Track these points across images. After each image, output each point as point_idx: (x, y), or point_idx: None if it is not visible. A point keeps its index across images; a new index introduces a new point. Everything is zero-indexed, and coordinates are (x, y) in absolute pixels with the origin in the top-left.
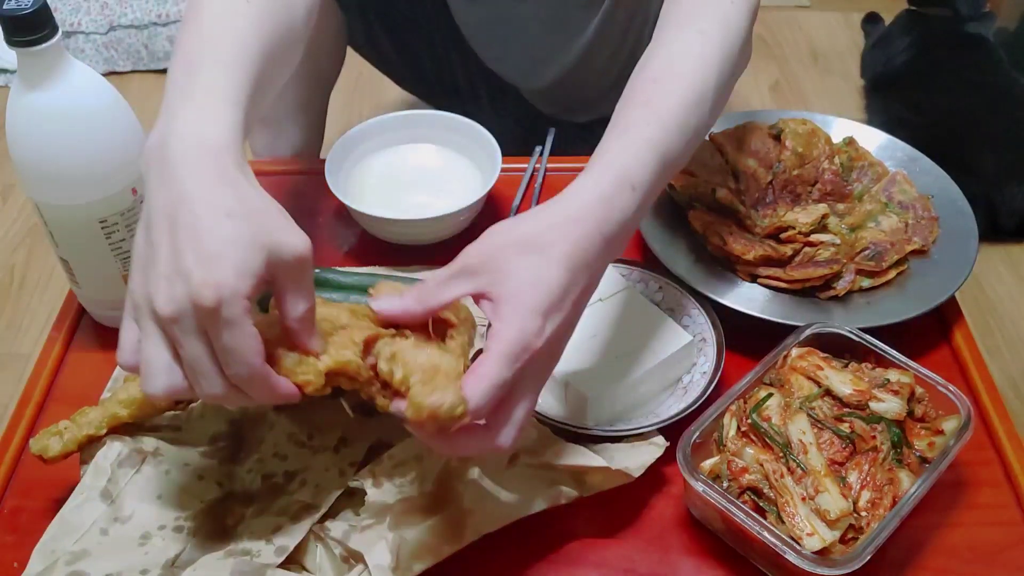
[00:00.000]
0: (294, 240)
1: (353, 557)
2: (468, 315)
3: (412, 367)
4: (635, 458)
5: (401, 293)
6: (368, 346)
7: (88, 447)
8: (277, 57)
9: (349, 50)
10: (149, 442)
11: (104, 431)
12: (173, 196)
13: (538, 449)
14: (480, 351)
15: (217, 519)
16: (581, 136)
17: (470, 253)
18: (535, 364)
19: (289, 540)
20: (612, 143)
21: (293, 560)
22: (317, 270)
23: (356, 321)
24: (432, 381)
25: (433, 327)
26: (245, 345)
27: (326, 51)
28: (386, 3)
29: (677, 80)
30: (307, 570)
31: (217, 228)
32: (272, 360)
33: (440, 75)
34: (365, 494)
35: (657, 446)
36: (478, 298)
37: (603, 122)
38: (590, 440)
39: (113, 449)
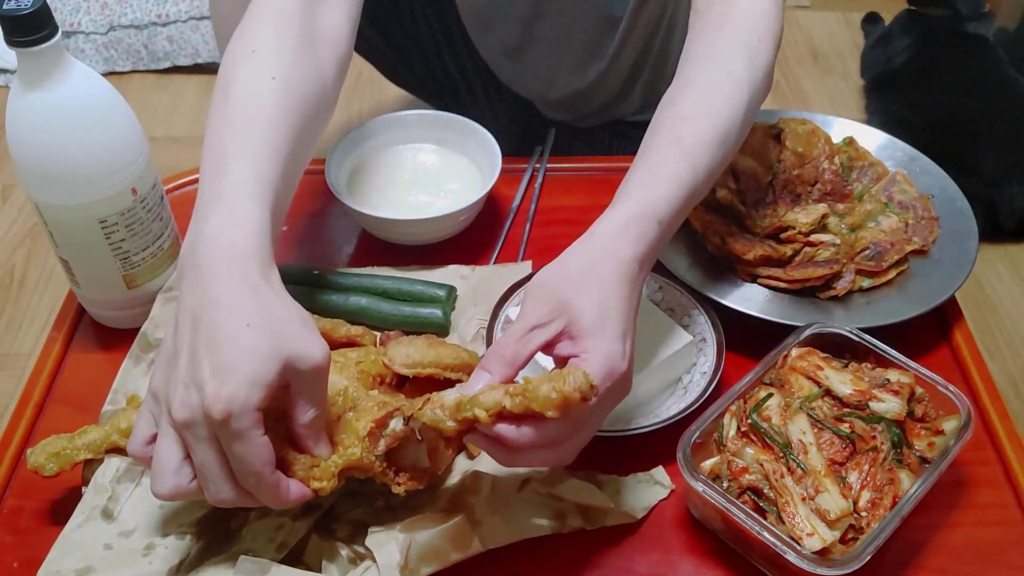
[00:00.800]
0: (312, 351)
1: (359, 556)
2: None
3: (489, 394)
4: (641, 499)
5: (474, 366)
6: (376, 432)
7: (88, 465)
8: (308, 129)
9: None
10: None
11: (102, 454)
12: (198, 300)
13: (550, 479)
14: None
15: (221, 524)
16: (581, 136)
17: (535, 307)
18: (616, 387)
19: (291, 538)
20: (641, 178)
21: (298, 560)
22: (316, 271)
23: (360, 390)
24: (524, 387)
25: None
26: (254, 455)
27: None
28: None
29: (706, 120)
30: (312, 568)
31: (235, 338)
32: (284, 462)
33: (431, 70)
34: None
35: (663, 487)
36: (554, 343)
37: (604, 127)
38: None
39: (111, 466)
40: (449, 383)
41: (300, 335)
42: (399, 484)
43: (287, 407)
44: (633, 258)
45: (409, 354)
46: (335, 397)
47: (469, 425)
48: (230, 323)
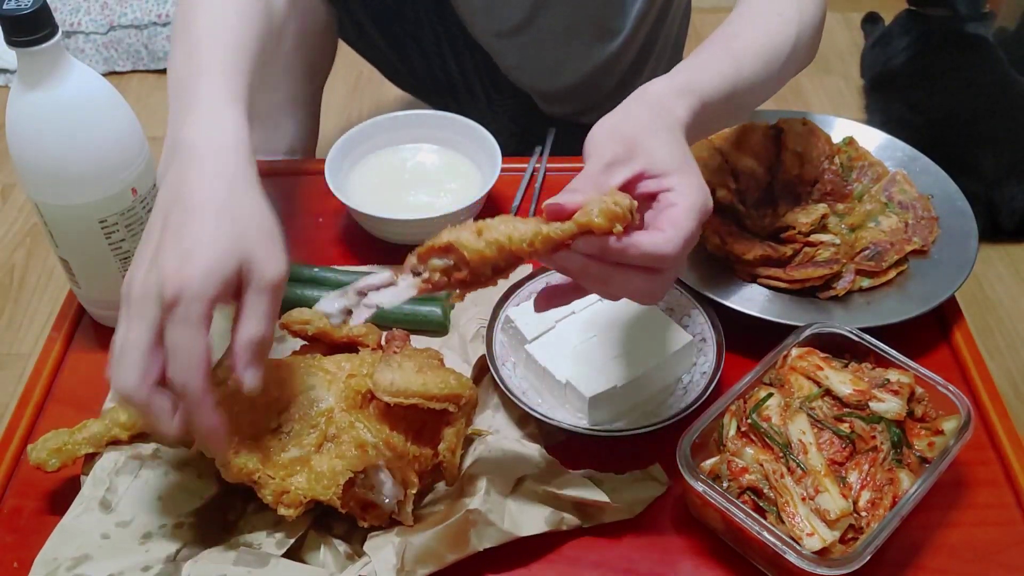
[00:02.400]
0: (272, 263)
1: (357, 555)
2: (471, 396)
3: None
4: (637, 494)
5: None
6: (348, 490)
7: (89, 460)
8: (265, 53)
9: (350, 51)
10: (147, 446)
11: (103, 448)
12: (172, 193)
13: (544, 477)
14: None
15: (218, 515)
16: (581, 136)
17: (608, 147)
18: (702, 222)
19: (289, 533)
20: (690, 65)
21: (295, 555)
22: (316, 269)
23: (344, 415)
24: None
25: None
26: (191, 348)
27: (316, 45)
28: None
29: (754, 39)
30: (309, 563)
31: (201, 228)
32: (256, 484)
33: (431, 69)
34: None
35: (660, 483)
36: (635, 181)
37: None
38: (591, 440)
39: (110, 459)
40: (434, 413)
41: (262, 241)
42: (364, 520)
43: (234, 321)
44: (685, 121)
45: (394, 381)
46: (317, 418)
47: (509, 255)
48: (197, 213)
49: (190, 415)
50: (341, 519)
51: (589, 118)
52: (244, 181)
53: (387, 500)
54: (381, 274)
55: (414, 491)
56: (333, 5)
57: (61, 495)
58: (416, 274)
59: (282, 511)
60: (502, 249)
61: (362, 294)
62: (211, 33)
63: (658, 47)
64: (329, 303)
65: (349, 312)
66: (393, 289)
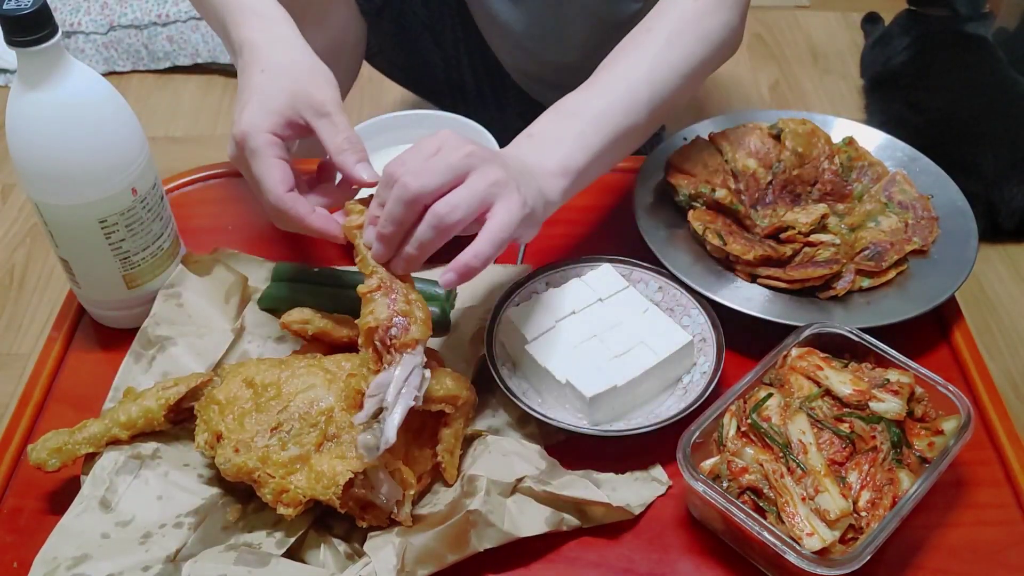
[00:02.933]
0: (319, 90)
1: (357, 554)
2: (469, 397)
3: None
4: (637, 494)
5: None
6: (348, 490)
7: (89, 459)
8: None
9: None
10: (147, 446)
11: (103, 447)
12: (241, 82)
13: (544, 477)
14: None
15: (218, 514)
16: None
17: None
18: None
19: (289, 533)
20: (576, 122)
21: (295, 555)
22: (316, 269)
23: (345, 415)
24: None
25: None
26: (265, 173)
27: (343, 63)
28: (402, 9)
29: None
30: (309, 563)
31: (252, 84)
32: (256, 484)
33: (448, 75)
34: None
35: (660, 483)
36: None
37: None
38: (591, 440)
39: (110, 459)
40: (432, 414)
41: (309, 77)
42: (363, 521)
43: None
44: (556, 200)
45: None
46: (317, 417)
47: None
48: (252, 76)
49: (294, 222)
50: (341, 519)
51: None
52: (288, 36)
53: (386, 500)
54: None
55: (412, 492)
56: (368, 20)
57: (61, 495)
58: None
59: (281, 510)
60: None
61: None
62: None
63: None
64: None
65: (379, 411)
66: (399, 379)
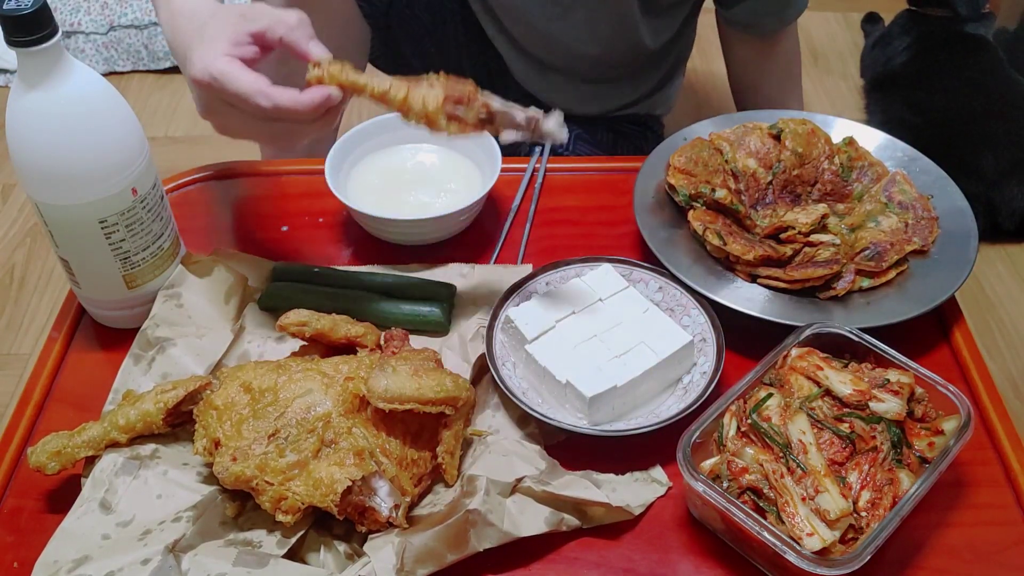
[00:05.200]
0: (276, 14)
1: (357, 554)
2: (468, 398)
3: None
4: (637, 495)
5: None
6: (347, 498)
7: (89, 462)
8: None
9: None
10: (146, 447)
11: (102, 450)
12: (184, 39)
13: (544, 477)
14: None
15: (217, 509)
16: (582, 136)
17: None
18: None
19: (289, 532)
20: None
21: (295, 555)
22: (316, 269)
23: (342, 420)
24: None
25: (428, 420)
26: (245, 81)
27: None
28: (408, 15)
29: None
30: (308, 563)
31: (207, 27)
32: (255, 491)
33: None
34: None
35: (660, 484)
36: None
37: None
38: (591, 440)
39: (109, 460)
40: (431, 416)
41: (264, 10)
42: (361, 525)
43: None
44: None
45: (388, 387)
46: (315, 422)
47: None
48: (193, 27)
49: (290, 111)
50: (341, 520)
51: (614, 104)
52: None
53: (384, 506)
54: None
55: (409, 500)
56: (372, 25)
57: (61, 495)
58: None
59: (280, 517)
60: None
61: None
62: None
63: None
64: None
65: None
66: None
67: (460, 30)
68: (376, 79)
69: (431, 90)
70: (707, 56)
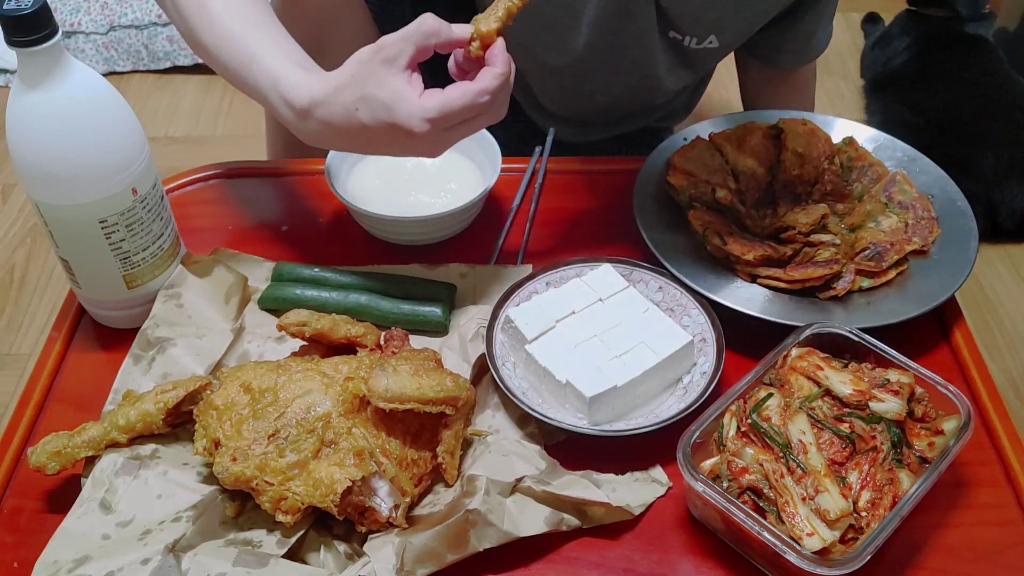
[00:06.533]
0: (415, 25)
1: (357, 554)
2: (469, 398)
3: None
4: (637, 495)
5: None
6: (348, 498)
7: (89, 462)
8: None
9: None
10: (146, 447)
11: (102, 451)
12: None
13: (544, 477)
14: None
15: (217, 509)
16: (579, 136)
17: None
18: None
19: (289, 532)
20: None
21: (295, 555)
22: (316, 269)
23: (342, 420)
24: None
25: (428, 420)
26: (464, 97)
27: None
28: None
29: None
30: (308, 563)
31: (366, 93)
32: (255, 491)
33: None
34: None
35: (660, 484)
36: None
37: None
38: (591, 440)
39: (109, 460)
40: (432, 416)
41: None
42: (361, 526)
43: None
44: None
45: (388, 387)
46: (315, 423)
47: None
48: (345, 111)
49: (496, 91)
50: (341, 520)
51: (624, 128)
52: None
53: (384, 506)
54: None
55: (409, 500)
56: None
57: (61, 495)
58: None
59: (280, 517)
60: None
61: None
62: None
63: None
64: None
65: None
66: None
67: None
68: (498, 8)
69: None
70: None
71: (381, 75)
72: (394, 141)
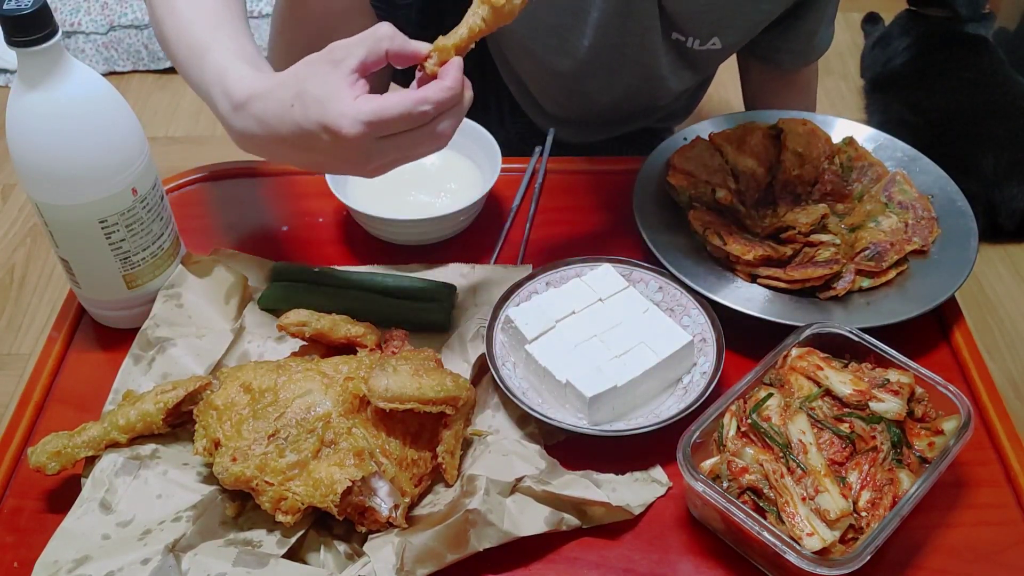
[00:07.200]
0: (370, 31)
1: (357, 554)
2: (469, 398)
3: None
4: (637, 495)
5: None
6: (347, 498)
7: (89, 462)
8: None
9: None
10: (146, 447)
11: (102, 451)
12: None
13: (544, 477)
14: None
15: (217, 509)
16: (580, 136)
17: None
18: None
19: (290, 532)
20: None
21: (295, 555)
22: (316, 269)
23: (342, 420)
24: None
25: (428, 420)
26: (404, 104)
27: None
28: (433, 38)
29: None
30: (308, 563)
31: (306, 94)
32: (255, 491)
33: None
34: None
35: (660, 484)
36: None
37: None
38: (591, 440)
39: (109, 460)
40: (432, 416)
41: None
42: (361, 526)
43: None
44: None
45: (388, 386)
46: (315, 423)
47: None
48: (281, 107)
49: (442, 107)
50: (341, 520)
51: (623, 129)
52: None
53: (384, 506)
54: None
55: (408, 500)
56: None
57: (61, 495)
58: None
59: (280, 517)
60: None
61: None
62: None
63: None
64: None
65: None
66: None
67: (474, 70)
68: (465, 24)
69: None
70: None
71: (323, 73)
72: (324, 147)
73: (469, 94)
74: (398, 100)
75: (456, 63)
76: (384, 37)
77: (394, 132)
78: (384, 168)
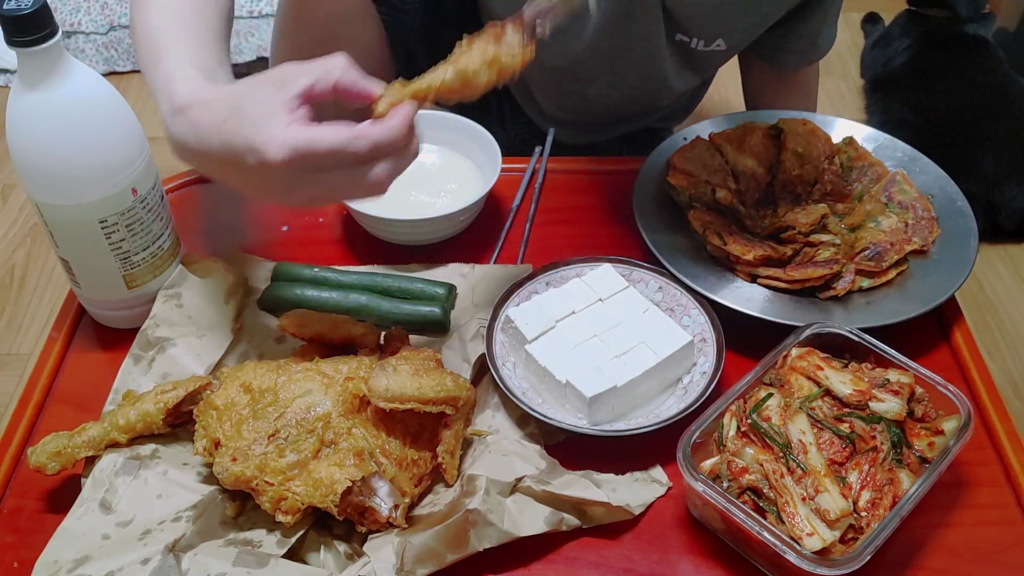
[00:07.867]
0: (324, 60)
1: (357, 554)
2: (469, 398)
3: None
4: (637, 495)
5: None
6: (347, 498)
7: (89, 462)
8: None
9: None
10: (146, 447)
11: (102, 451)
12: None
13: (544, 477)
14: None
15: (217, 509)
16: (579, 137)
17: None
18: None
19: (290, 532)
20: None
21: (295, 555)
22: (316, 269)
23: (342, 420)
24: None
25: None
26: (338, 138)
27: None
28: (436, 43)
29: None
30: (308, 563)
31: (243, 111)
32: (255, 492)
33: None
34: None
35: (660, 484)
36: None
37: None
38: (591, 440)
39: (109, 460)
40: (432, 416)
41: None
42: (361, 526)
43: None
44: None
45: (388, 386)
46: (315, 423)
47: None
48: (218, 120)
49: (380, 149)
50: (341, 520)
51: (622, 129)
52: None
53: (384, 506)
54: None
55: (408, 500)
56: (395, 53)
57: (61, 495)
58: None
59: (280, 517)
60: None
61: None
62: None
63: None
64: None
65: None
66: None
67: None
68: (428, 76)
69: (470, 50)
70: None
71: (264, 93)
72: (247, 169)
73: (416, 145)
74: (332, 132)
75: (407, 107)
76: (336, 67)
77: (323, 166)
78: (308, 203)
